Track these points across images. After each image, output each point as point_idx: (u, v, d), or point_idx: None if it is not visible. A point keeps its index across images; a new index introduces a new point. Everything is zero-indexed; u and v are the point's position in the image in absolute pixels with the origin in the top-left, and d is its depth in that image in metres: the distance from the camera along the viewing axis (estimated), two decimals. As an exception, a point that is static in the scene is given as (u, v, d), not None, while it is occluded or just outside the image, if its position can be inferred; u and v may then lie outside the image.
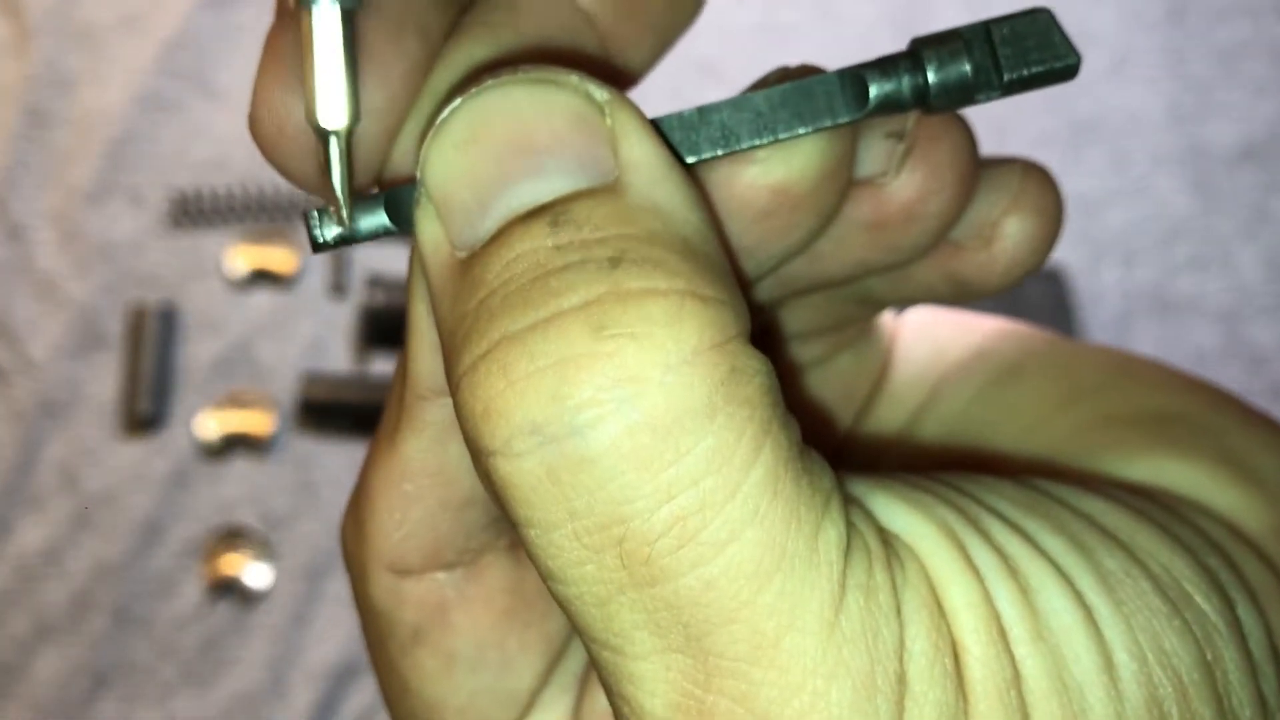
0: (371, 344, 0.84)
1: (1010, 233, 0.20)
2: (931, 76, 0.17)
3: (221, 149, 0.89)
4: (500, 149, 0.16)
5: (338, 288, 0.85)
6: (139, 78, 0.91)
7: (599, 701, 0.21)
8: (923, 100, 0.18)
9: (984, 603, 0.16)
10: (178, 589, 0.80)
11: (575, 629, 0.16)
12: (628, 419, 0.15)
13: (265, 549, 0.80)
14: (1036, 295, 0.81)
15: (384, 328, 0.83)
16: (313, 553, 0.80)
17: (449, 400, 0.18)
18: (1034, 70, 0.18)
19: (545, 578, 0.16)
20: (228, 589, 0.79)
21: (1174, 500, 0.19)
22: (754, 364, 0.16)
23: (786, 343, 0.24)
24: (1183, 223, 0.87)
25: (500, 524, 0.21)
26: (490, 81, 0.17)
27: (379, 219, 0.18)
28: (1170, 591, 0.17)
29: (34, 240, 0.87)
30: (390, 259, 0.86)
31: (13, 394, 0.84)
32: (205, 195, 0.87)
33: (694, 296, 0.15)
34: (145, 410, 0.82)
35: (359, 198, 0.18)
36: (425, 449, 0.19)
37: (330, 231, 0.18)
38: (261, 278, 0.86)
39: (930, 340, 0.25)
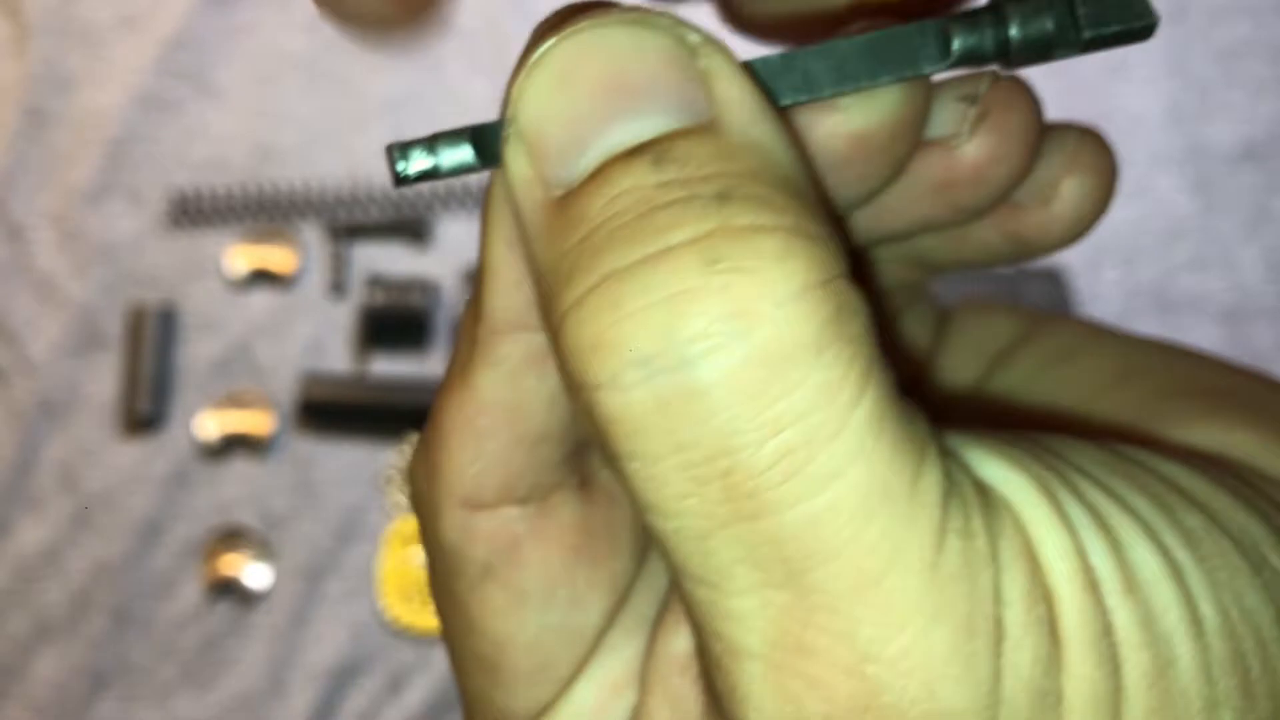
0: (371, 344, 0.84)
1: (1069, 193, 0.21)
2: (1014, 32, 0.17)
3: (221, 149, 0.89)
4: (597, 88, 0.16)
5: (337, 288, 0.85)
6: (138, 78, 0.91)
7: (672, 646, 0.21)
8: (1004, 55, 0.18)
9: (1076, 554, 0.16)
10: (177, 589, 0.80)
11: (671, 565, 0.16)
12: (739, 352, 0.15)
13: (265, 549, 0.80)
14: (1036, 294, 0.81)
15: (384, 328, 0.83)
16: (312, 553, 0.80)
17: (525, 335, 0.19)
18: (1113, 29, 0.18)
19: (646, 511, 0.16)
20: (227, 589, 0.79)
21: (1235, 466, 0.20)
22: (857, 302, 0.16)
23: (878, 288, 0.25)
24: (1183, 222, 0.87)
25: (572, 462, 0.21)
26: (585, 22, 0.17)
27: (464, 154, 0.18)
28: (1249, 552, 0.17)
29: (33, 240, 0.87)
30: (390, 259, 0.86)
31: (12, 394, 0.84)
32: (205, 195, 0.87)
33: (801, 233, 0.16)
34: (144, 410, 0.82)
35: (443, 133, 0.18)
36: (500, 384, 0.19)
37: (415, 165, 0.18)
38: (261, 278, 0.86)
39: (981, 326, 0.26)
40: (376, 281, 0.84)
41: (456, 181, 0.86)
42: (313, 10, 0.94)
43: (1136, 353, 0.24)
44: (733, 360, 0.15)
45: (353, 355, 0.84)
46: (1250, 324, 0.84)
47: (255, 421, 0.82)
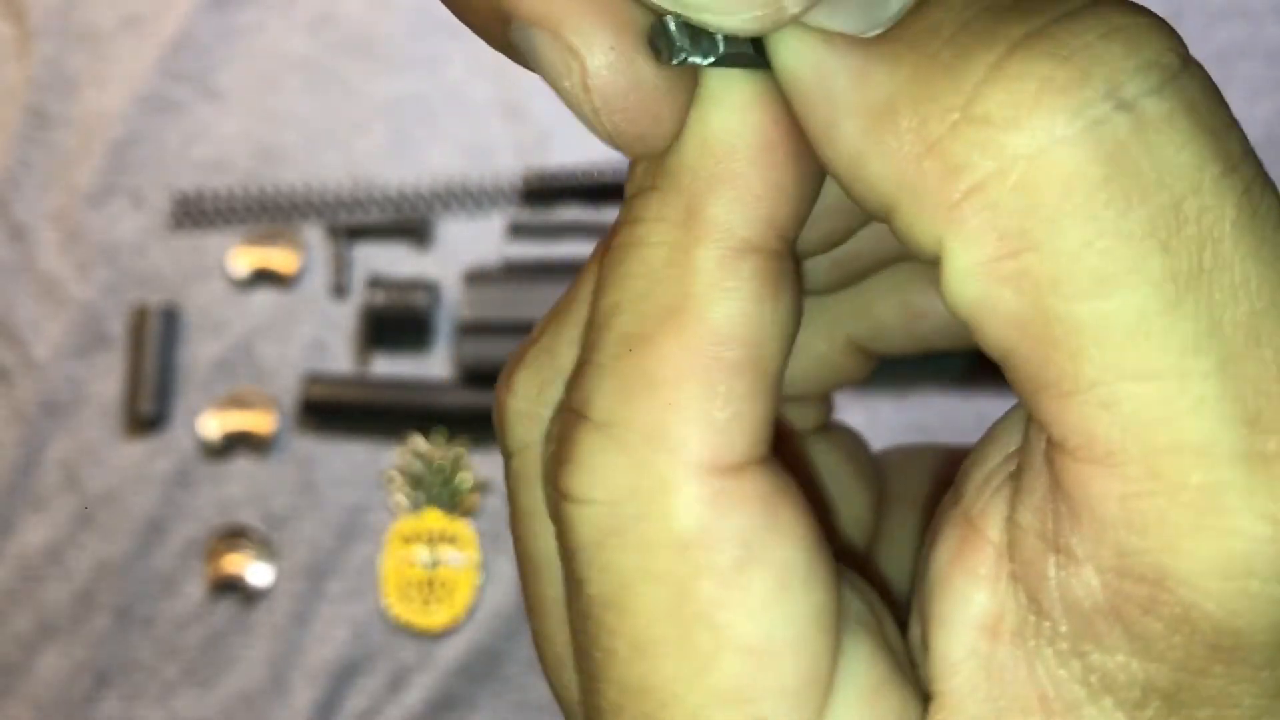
0: (372, 344, 0.84)
1: None
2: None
3: (223, 150, 0.90)
4: None
5: (339, 288, 0.85)
6: (141, 79, 0.91)
7: (970, 609, 0.17)
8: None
9: None
10: (179, 588, 0.80)
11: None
12: (1184, 90, 0.15)
13: (267, 548, 0.80)
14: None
15: (385, 328, 0.84)
16: (314, 552, 0.80)
17: (770, 253, 0.16)
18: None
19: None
20: (229, 588, 0.80)
21: None
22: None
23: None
24: (1180, 224, 0.87)
25: (816, 405, 0.20)
26: None
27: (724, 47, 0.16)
28: None
29: (36, 241, 0.87)
30: (392, 260, 0.86)
31: (15, 394, 0.84)
32: (207, 196, 0.88)
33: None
34: (147, 410, 0.82)
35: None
36: (744, 310, 0.16)
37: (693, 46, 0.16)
38: (263, 278, 0.86)
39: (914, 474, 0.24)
40: (378, 282, 0.84)
41: (456, 182, 0.87)
42: (314, 11, 0.95)
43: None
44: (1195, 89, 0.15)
45: (354, 355, 0.85)
46: (1247, 324, 0.84)
47: (257, 421, 0.82)
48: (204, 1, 0.93)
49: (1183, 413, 0.14)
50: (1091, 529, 0.15)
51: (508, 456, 0.20)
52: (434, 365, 0.84)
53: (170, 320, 0.85)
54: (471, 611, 0.79)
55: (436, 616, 0.79)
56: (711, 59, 0.16)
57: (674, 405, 0.16)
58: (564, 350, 0.19)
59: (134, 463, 0.82)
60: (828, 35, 0.15)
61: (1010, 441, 0.17)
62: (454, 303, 0.84)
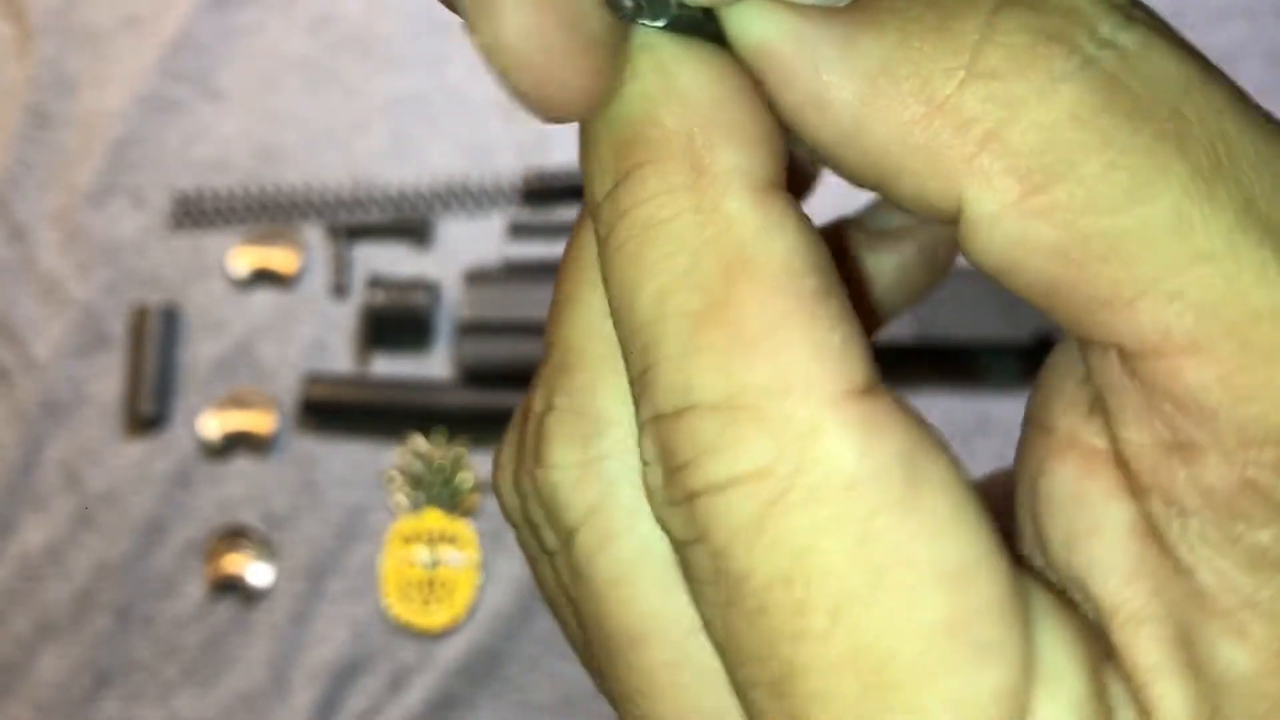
0: (372, 344, 0.84)
1: None
2: None
3: (223, 150, 0.90)
4: None
5: (339, 288, 0.85)
6: (141, 79, 0.91)
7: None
8: None
9: None
10: (179, 588, 0.80)
11: None
12: None
13: (267, 548, 0.80)
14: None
15: (385, 328, 0.84)
16: (314, 552, 0.80)
17: (781, 184, 0.16)
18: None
19: None
20: (229, 588, 0.80)
21: None
22: None
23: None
24: (1181, 223, 0.87)
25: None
26: None
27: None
28: None
29: (36, 240, 0.87)
30: (392, 259, 0.86)
31: (15, 394, 0.84)
32: (207, 196, 0.88)
33: None
34: (147, 410, 0.82)
35: None
36: (797, 242, 0.16)
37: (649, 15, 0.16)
38: (263, 278, 0.86)
39: None
40: (378, 282, 0.84)
41: (457, 181, 0.87)
42: (314, 11, 0.95)
43: None
44: None
45: (354, 355, 0.85)
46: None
47: (257, 421, 0.82)
48: (204, 1, 0.93)
49: (1249, 283, 0.14)
50: (1202, 416, 0.15)
51: (570, 533, 0.18)
52: (434, 365, 0.84)
53: (170, 320, 0.85)
54: (472, 611, 0.79)
55: (437, 616, 0.79)
56: (663, 21, 0.16)
57: (784, 349, 0.15)
58: (582, 399, 0.18)
59: (134, 463, 0.82)
60: (800, 6, 0.15)
61: (1072, 374, 0.17)
62: (454, 303, 0.84)
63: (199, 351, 0.85)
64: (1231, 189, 0.15)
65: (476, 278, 0.82)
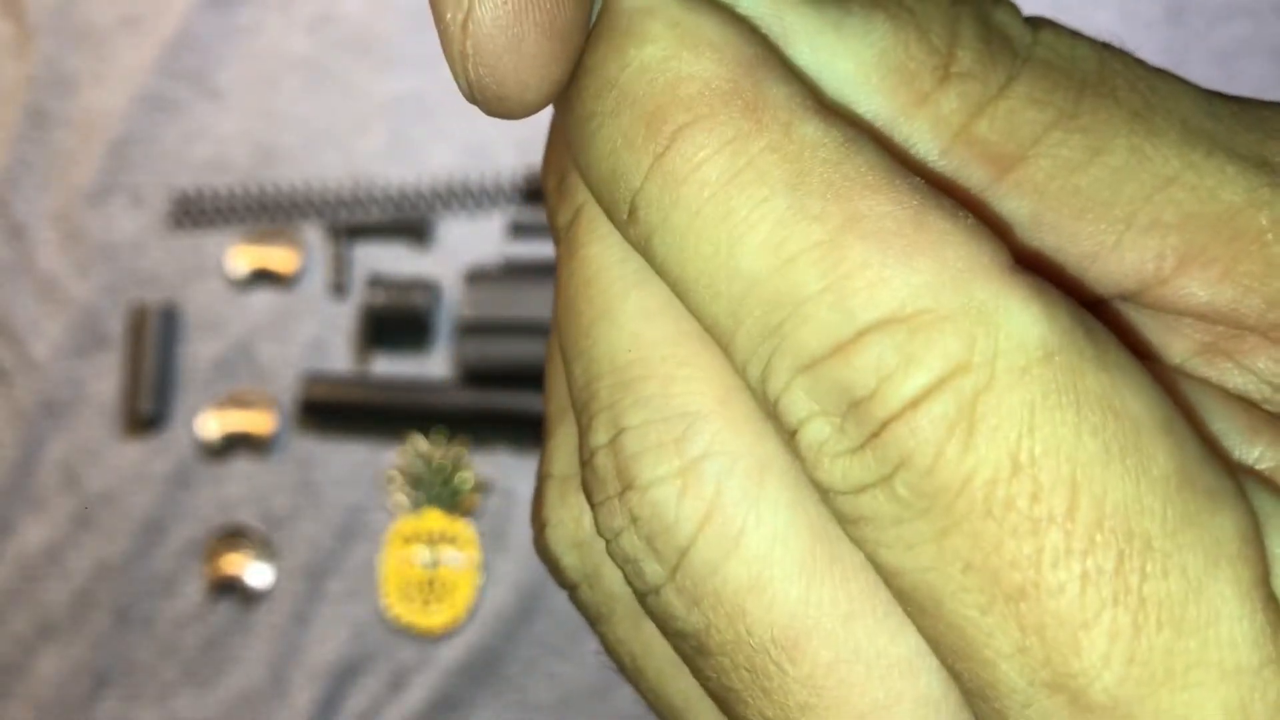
0: (372, 344, 0.84)
1: None
2: None
3: (222, 149, 0.90)
4: None
5: (338, 288, 0.85)
6: (140, 78, 0.91)
7: None
8: None
9: None
10: (179, 588, 0.80)
11: None
12: None
13: (266, 548, 0.80)
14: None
15: (385, 328, 0.84)
16: (314, 552, 0.80)
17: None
18: None
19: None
20: (229, 588, 0.80)
21: None
22: None
23: None
24: (1182, 223, 0.87)
25: None
26: None
27: None
28: None
29: (35, 240, 0.87)
30: (391, 259, 0.86)
31: (14, 394, 0.84)
32: (206, 195, 0.88)
33: None
34: (146, 410, 0.82)
35: None
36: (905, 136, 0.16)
37: None
38: (262, 278, 0.86)
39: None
40: (377, 281, 0.84)
41: (457, 181, 0.86)
42: (313, 10, 0.95)
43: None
44: None
45: (354, 355, 0.84)
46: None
47: (257, 421, 0.82)
48: (203, 0, 0.93)
49: (1214, 187, 0.16)
50: (1224, 318, 0.16)
51: (684, 551, 0.16)
52: (434, 365, 0.84)
53: (169, 320, 0.85)
54: (472, 612, 0.79)
55: (437, 617, 0.79)
56: None
57: (936, 242, 0.14)
58: (659, 407, 0.17)
59: (133, 463, 0.82)
60: None
61: None
62: (454, 302, 0.84)
63: (198, 351, 0.85)
64: (1169, 117, 0.16)
65: (476, 277, 0.82)
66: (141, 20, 0.93)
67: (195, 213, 0.87)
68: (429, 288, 0.83)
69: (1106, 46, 0.17)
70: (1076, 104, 0.16)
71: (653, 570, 0.17)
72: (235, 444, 0.82)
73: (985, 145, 0.15)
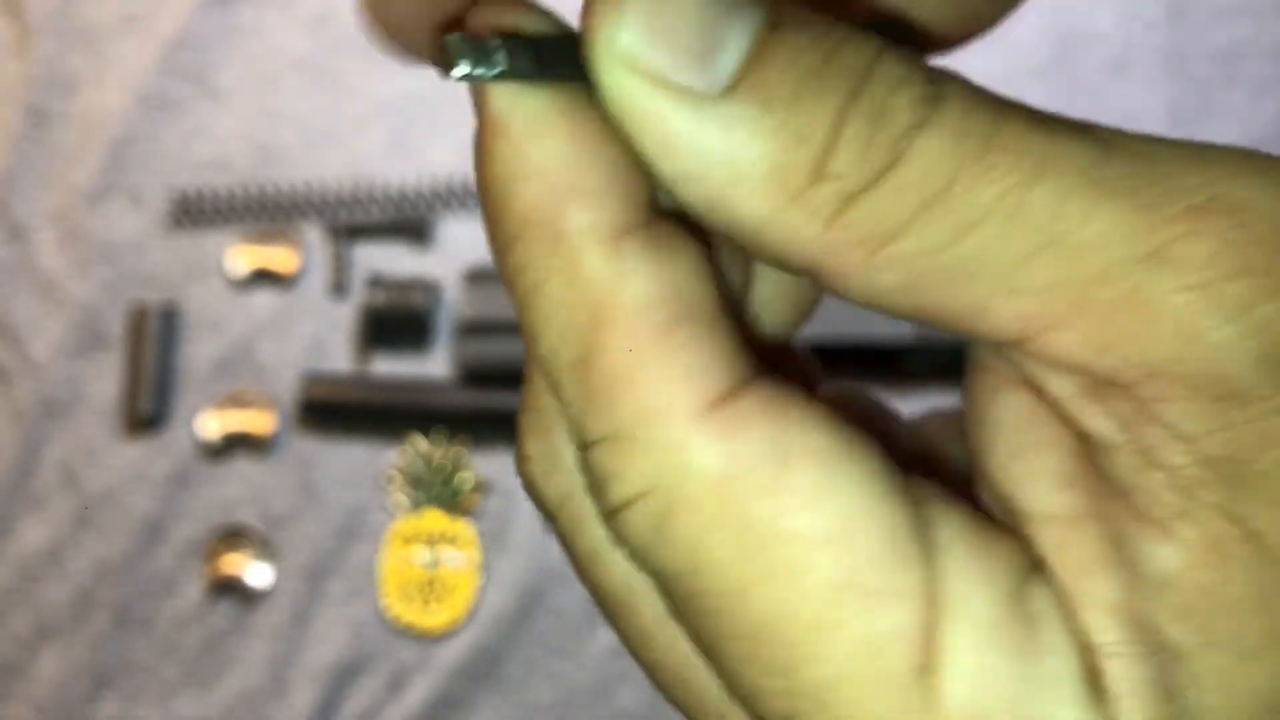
0: (372, 344, 0.84)
1: None
2: None
3: (222, 149, 0.90)
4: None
5: (338, 288, 0.85)
6: (140, 78, 0.91)
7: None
8: None
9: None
10: (179, 588, 0.80)
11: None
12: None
13: (266, 548, 0.80)
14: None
15: (385, 328, 0.84)
16: (313, 552, 0.80)
17: (641, 230, 0.18)
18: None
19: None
20: (229, 588, 0.80)
21: None
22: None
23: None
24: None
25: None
26: None
27: (530, 65, 0.17)
28: None
29: (35, 240, 0.88)
30: (391, 259, 0.86)
31: (14, 394, 0.84)
32: (206, 195, 0.88)
33: None
34: (146, 410, 0.82)
35: (513, 37, 0.18)
36: (651, 280, 0.18)
37: (473, 68, 0.18)
38: (262, 278, 0.86)
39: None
40: (378, 281, 0.84)
41: (458, 181, 0.86)
42: (313, 10, 0.95)
43: None
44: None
45: (354, 355, 0.85)
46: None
47: (257, 421, 0.82)
48: (203, 0, 0.93)
49: (1071, 256, 0.16)
50: (1082, 372, 0.17)
51: (552, 517, 0.20)
52: (434, 365, 0.84)
53: (169, 320, 0.85)
54: (472, 612, 0.79)
55: (437, 617, 0.79)
56: (497, 70, 0.17)
57: (644, 381, 0.17)
58: (538, 398, 0.20)
59: (133, 463, 0.82)
60: (666, 85, 0.16)
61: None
62: (454, 302, 0.84)
63: (198, 351, 0.85)
64: (1055, 177, 0.16)
65: (476, 277, 0.82)
66: (141, 20, 0.93)
67: (195, 212, 0.87)
68: (429, 288, 0.83)
69: (1004, 105, 0.17)
70: (952, 182, 0.16)
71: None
72: (235, 444, 0.82)
73: (856, 229, 0.16)
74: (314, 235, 0.87)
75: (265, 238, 0.86)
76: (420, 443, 0.82)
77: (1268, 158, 0.16)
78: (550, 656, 0.78)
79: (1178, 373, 0.16)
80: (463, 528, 0.81)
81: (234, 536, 0.80)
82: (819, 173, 0.16)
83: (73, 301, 0.85)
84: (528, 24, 0.18)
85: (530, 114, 0.18)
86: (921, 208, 0.16)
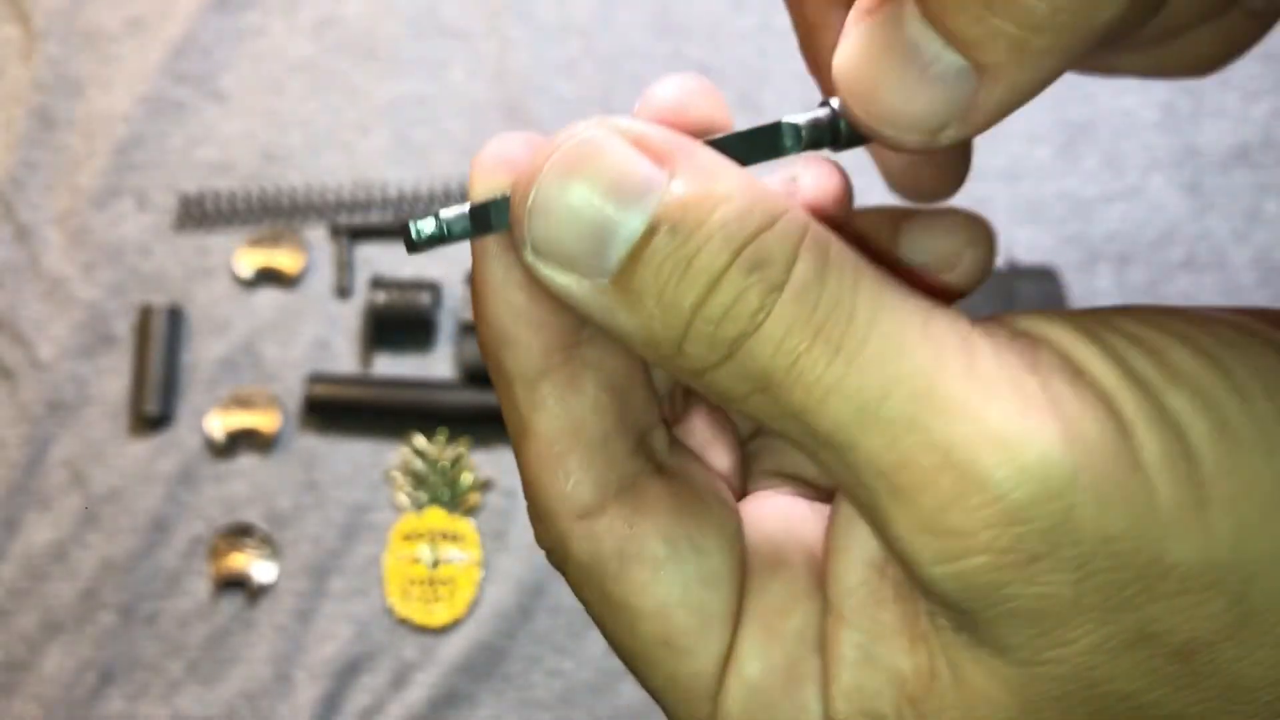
0: (376, 344, 0.85)
1: (969, 261, 0.27)
2: (844, 126, 0.23)
3: (227, 151, 0.90)
4: (602, 199, 0.20)
5: (342, 289, 0.86)
6: (146, 81, 0.92)
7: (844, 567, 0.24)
8: (835, 142, 0.23)
9: (1117, 361, 0.20)
10: (184, 586, 0.81)
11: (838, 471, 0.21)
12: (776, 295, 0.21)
13: (271, 546, 0.81)
14: (1030, 293, 0.82)
15: (388, 327, 0.84)
16: (318, 550, 0.81)
17: (550, 376, 0.23)
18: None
19: (808, 437, 0.21)
20: (234, 586, 0.80)
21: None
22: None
23: None
24: (1176, 224, 0.87)
25: (641, 450, 0.25)
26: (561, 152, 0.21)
27: (466, 224, 0.22)
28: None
29: (42, 241, 0.88)
30: (395, 260, 0.87)
31: (21, 394, 0.84)
32: (211, 197, 0.88)
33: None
34: (152, 409, 0.83)
35: (449, 209, 0.22)
36: (555, 416, 0.24)
37: (425, 231, 0.22)
38: (267, 278, 0.87)
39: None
40: (380, 282, 0.84)
41: (457, 185, 0.87)
42: (317, 14, 0.96)
43: None
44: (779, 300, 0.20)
45: (358, 355, 0.85)
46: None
47: (261, 420, 0.83)
48: (208, 4, 0.93)
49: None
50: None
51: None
52: (436, 365, 0.84)
53: (175, 320, 0.85)
54: (473, 609, 0.80)
55: (439, 614, 0.79)
56: (429, 231, 0.22)
57: (543, 488, 0.24)
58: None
59: (139, 461, 0.83)
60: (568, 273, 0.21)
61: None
62: (456, 302, 0.85)
63: (203, 351, 0.85)
64: (836, 409, 0.20)
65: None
66: (146, 24, 0.93)
67: (200, 214, 0.88)
68: (431, 288, 0.84)
69: (827, 315, 0.20)
70: (768, 382, 0.20)
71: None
72: (240, 443, 0.83)
73: (710, 390, 0.21)
74: (318, 237, 0.87)
75: (270, 239, 0.87)
76: (422, 442, 0.83)
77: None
78: (551, 653, 0.79)
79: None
80: (464, 526, 0.81)
81: (239, 534, 0.81)
82: (678, 350, 0.20)
83: (79, 302, 0.86)
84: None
85: (495, 273, 0.23)
86: (752, 390, 0.20)
